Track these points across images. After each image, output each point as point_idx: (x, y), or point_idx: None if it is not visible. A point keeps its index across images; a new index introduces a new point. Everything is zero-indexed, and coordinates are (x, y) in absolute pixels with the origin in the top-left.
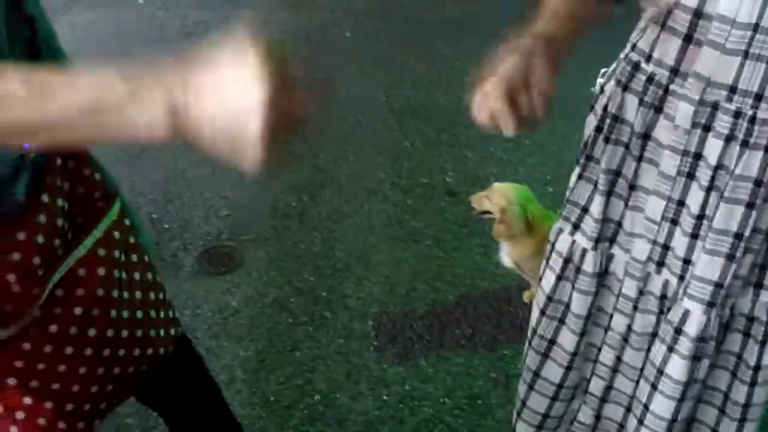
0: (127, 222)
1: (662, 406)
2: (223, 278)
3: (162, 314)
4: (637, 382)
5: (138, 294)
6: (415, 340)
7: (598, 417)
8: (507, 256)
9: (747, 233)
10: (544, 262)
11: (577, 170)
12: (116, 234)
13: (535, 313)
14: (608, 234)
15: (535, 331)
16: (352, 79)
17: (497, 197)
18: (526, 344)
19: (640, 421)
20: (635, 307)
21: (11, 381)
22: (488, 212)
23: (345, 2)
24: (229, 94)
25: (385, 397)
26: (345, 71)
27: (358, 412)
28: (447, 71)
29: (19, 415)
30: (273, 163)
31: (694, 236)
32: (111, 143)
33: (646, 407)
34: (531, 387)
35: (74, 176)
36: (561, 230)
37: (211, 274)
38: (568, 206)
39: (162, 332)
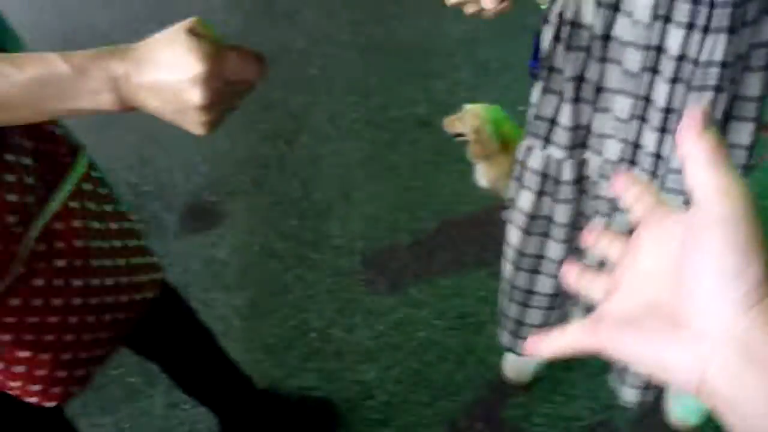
0: (94, 174)
1: None
2: (209, 233)
3: (143, 260)
4: None
5: (117, 242)
6: (402, 269)
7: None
8: (483, 177)
9: (719, 117)
10: (514, 182)
11: (539, 85)
12: (86, 186)
13: (515, 234)
14: (579, 140)
15: (520, 252)
16: (316, 21)
17: (469, 118)
18: (509, 267)
19: None
20: (614, 208)
21: (6, 337)
22: (461, 135)
23: None
24: (165, 67)
25: (379, 327)
26: (307, 14)
27: (354, 343)
28: (409, 4)
29: (18, 369)
30: (218, 125)
31: (663, 130)
32: (59, 118)
33: None
34: (526, 305)
35: (36, 134)
36: (530, 147)
37: (197, 231)
38: (535, 122)
39: (145, 278)
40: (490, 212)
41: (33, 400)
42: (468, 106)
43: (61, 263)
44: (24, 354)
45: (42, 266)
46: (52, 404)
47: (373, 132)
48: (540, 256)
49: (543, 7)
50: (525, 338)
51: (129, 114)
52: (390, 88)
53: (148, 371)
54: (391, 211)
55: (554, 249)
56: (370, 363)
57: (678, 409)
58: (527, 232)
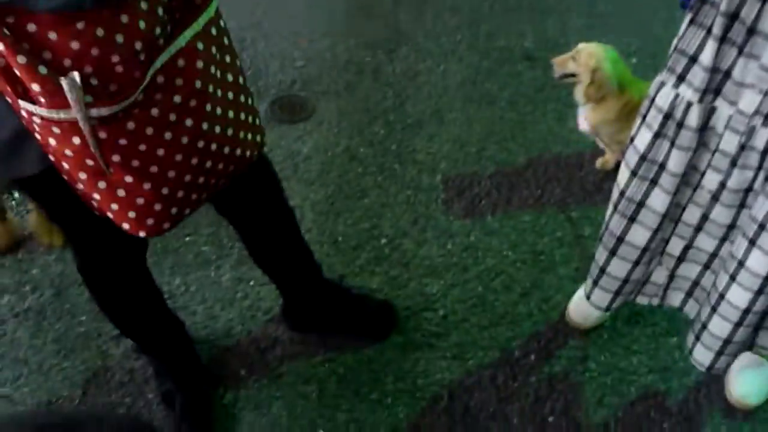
0: (222, 24)
1: (738, 297)
2: (295, 126)
3: (250, 119)
4: (722, 240)
5: (230, 94)
6: (482, 196)
7: (671, 276)
8: (586, 120)
9: None
10: (638, 120)
11: (688, 16)
12: (213, 30)
13: (623, 175)
14: (714, 84)
15: (623, 194)
16: None
17: (585, 57)
18: (610, 209)
19: (720, 296)
20: (733, 163)
21: (115, 157)
22: (571, 75)
23: None
24: None
25: (449, 246)
26: None
27: (422, 257)
28: None
29: (120, 192)
30: None
31: None
32: None
33: (732, 278)
34: (613, 253)
35: None
36: (663, 83)
37: (284, 121)
38: (674, 56)
39: (249, 135)
40: (581, 156)
41: (126, 226)
42: (583, 45)
43: (177, 99)
44: (128, 178)
45: (159, 97)
46: (142, 234)
47: (475, 57)
48: (641, 203)
49: None
50: (603, 288)
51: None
52: (499, 16)
53: (220, 242)
54: (480, 137)
55: (659, 199)
56: (434, 278)
57: (741, 386)
58: (635, 173)
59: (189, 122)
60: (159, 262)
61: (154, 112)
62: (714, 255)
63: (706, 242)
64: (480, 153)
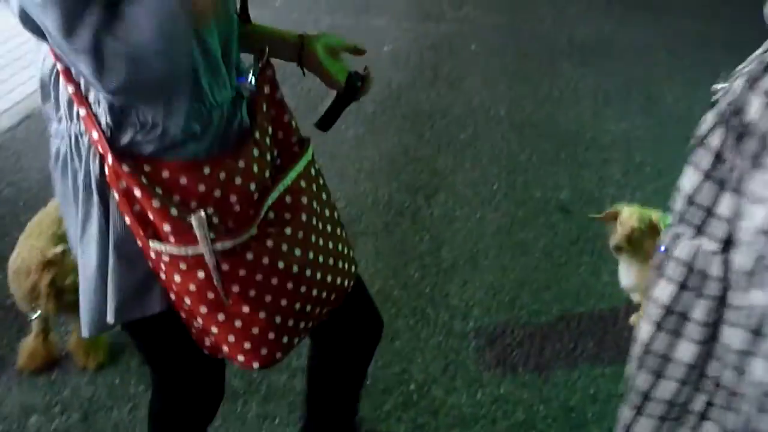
0: (317, 166)
1: None
2: None
3: (345, 250)
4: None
5: (329, 227)
6: (514, 346)
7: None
8: (627, 275)
9: None
10: (653, 272)
11: (694, 169)
12: (312, 171)
13: (646, 329)
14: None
15: (648, 348)
16: (474, 90)
17: (625, 221)
18: (634, 365)
19: None
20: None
21: (235, 288)
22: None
23: (473, 16)
24: None
25: (478, 396)
26: (468, 82)
27: (451, 405)
28: (569, 90)
29: (237, 323)
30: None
31: None
32: None
33: None
34: (639, 411)
35: (275, 122)
36: (678, 235)
37: None
38: (689, 209)
39: (346, 265)
40: (617, 311)
41: (241, 358)
42: (627, 208)
43: (288, 231)
44: (245, 308)
45: (272, 231)
46: (256, 365)
47: (512, 206)
48: (667, 357)
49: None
50: None
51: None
52: (536, 167)
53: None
54: (514, 286)
55: (687, 350)
56: (463, 429)
57: None
58: (659, 326)
59: (298, 252)
60: None
61: (269, 243)
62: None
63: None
64: (513, 302)
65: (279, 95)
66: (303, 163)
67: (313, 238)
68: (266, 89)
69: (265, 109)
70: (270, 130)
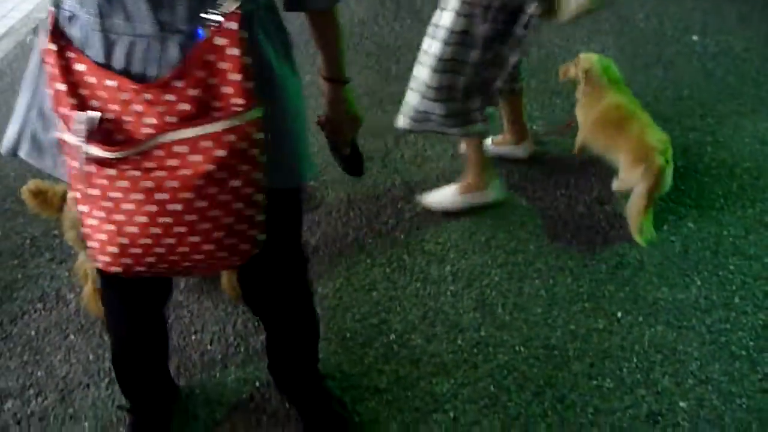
0: (253, 139)
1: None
2: (303, 217)
3: (242, 227)
4: None
5: (226, 199)
6: (492, 287)
7: None
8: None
9: None
10: None
11: None
12: (233, 138)
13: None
14: None
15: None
16: None
17: (582, 62)
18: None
19: None
20: None
21: (93, 191)
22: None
23: None
24: None
25: (459, 342)
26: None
27: (432, 353)
28: None
29: (92, 221)
30: None
31: None
32: None
33: None
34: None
35: (217, 74)
36: None
37: None
38: None
39: (231, 240)
40: (593, 246)
41: (98, 257)
42: (582, 54)
43: (161, 174)
44: (99, 214)
45: (147, 166)
46: (101, 266)
47: None
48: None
49: None
50: None
51: None
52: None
53: (227, 340)
54: (490, 227)
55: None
56: (444, 376)
57: None
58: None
59: (161, 196)
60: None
61: (134, 173)
62: None
63: None
64: (489, 242)
65: (236, 52)
66: (217, 127)
67: (190, 196)
68: (221, 42)
69: (209, 59)
70: (208, 81)
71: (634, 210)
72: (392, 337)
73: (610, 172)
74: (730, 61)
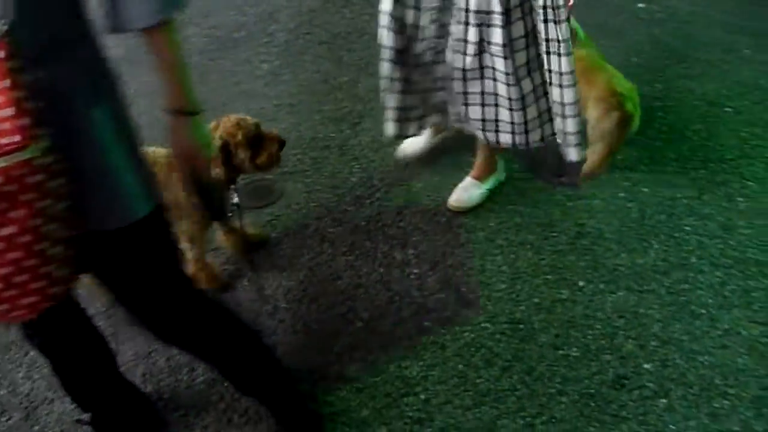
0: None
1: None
2: (263, 211)
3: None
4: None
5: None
6: (456, 266)
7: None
8: None
9: None
10: None
11: None
12: (24, 173)
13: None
14: None
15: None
16: None
17: None
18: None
19: None
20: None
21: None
22: None
23: None
24: None
25: (426, 324)
26: None
27: (400, 337)
28: None
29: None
30: None
31: None
32: None
33: None
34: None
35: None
36: None
37: (251, 208)
38: None
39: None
40: (551, 218)
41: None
42: None
43: None
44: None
45: None
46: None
47: None
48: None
49: None
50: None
51: (198, 82)
52: None
53: None
54: (452, 209)
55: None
56: (414, 359)
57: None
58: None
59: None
60: (130, 370)
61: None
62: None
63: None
64: (450, 222)
65: (5, 84)
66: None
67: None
68: None
69: None
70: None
71: (597, 158)
72: (359, 324)
73: None
74: (675, 25)
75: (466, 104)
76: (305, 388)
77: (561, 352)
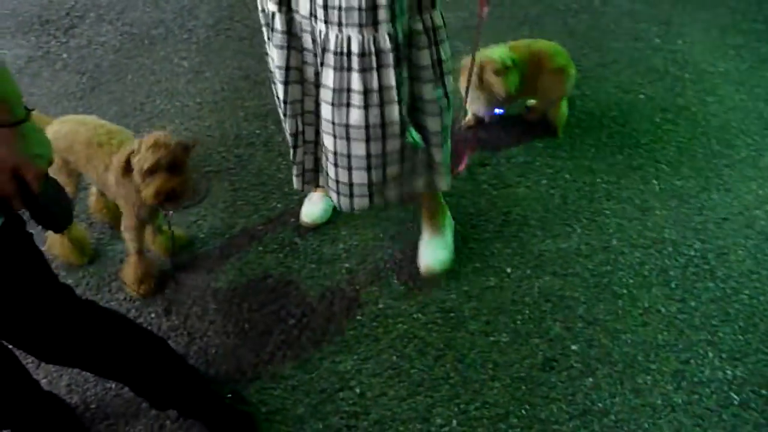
0: None
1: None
2: (189, 212)
3: None
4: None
5: None
6: (385, 259)
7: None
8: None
9: None
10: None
11: None
12: None
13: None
14: None
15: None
16: None
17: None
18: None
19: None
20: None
21: None
22: None
23: None
24: None
25: (359, 317)
26: None
27: (333, 333)
28: None
29: None
30: None
31: None
32: None
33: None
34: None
35: None
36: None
37: (177, 209)
38: None
39: None
40: (479, 208)
41: None
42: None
43: None
44: None
45: None
46: None
47: None
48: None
49: None
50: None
51: (114, 82)
52: None
53: None
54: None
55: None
56: (347, 353)
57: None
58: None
59: None
60: (55, 380)
61: None
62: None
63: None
64: (378, 216)
65: None
66: None
67: None
68: None
69: None
70: None
71: (558, 113)
72: (291, 321)
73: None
74: (590, 16)
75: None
76: (239, 389)
77: (491, 338)
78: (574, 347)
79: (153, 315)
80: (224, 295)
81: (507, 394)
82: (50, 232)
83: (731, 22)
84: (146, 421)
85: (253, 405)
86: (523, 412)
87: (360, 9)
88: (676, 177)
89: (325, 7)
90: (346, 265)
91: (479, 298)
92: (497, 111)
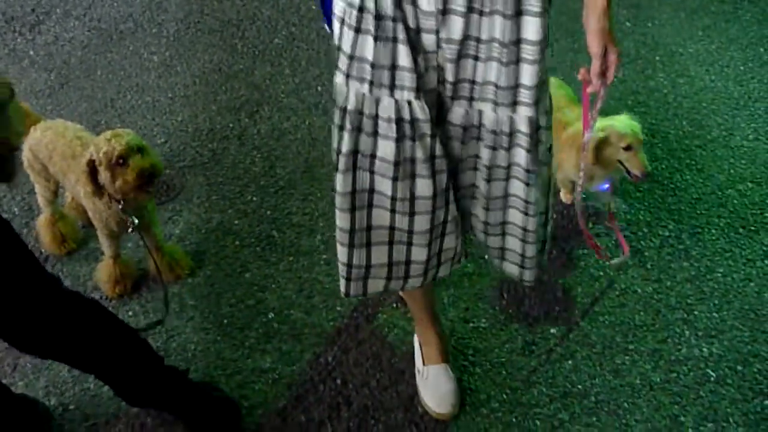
0: None
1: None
2: (164, 207)
3: None
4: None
5: None
6: None
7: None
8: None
9: None
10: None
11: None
12: None
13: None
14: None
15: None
16: None
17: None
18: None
19: None
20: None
21: None
22: None
23: None
24: None
25: (338, 309)
26: None
27: (313, 325)
28: None
29: None
30: None
31: None
32: None
33: None
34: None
35: None
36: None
37: None
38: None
39: None
40: None
41: None
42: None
43: None
44: None
45: None
46: None
47: None
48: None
49: None
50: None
51: (83, 78)
52: None
53: None
54: None
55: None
56: (328, 345)
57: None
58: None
59: None
60: (32, 383)
61: None
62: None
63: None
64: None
65: None
66: None
67: None
68: None
69: None
70: None
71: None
72: (271, 315)
73: None
74: (562, 1)
75: None
76: (220, 385)
77: (471, 324)
78: (552, 330)
79: (130, 313)
80: (201, 291)
81: (488, 380)
82: (40, 219)
83: (699, 3)
84: (127, 420)
85: (236, 399)
86: (504, 396)
87: None
88: (648, 159)
89: None
90: (324, 256)
91: (458, 285)
92: (604, 187)
